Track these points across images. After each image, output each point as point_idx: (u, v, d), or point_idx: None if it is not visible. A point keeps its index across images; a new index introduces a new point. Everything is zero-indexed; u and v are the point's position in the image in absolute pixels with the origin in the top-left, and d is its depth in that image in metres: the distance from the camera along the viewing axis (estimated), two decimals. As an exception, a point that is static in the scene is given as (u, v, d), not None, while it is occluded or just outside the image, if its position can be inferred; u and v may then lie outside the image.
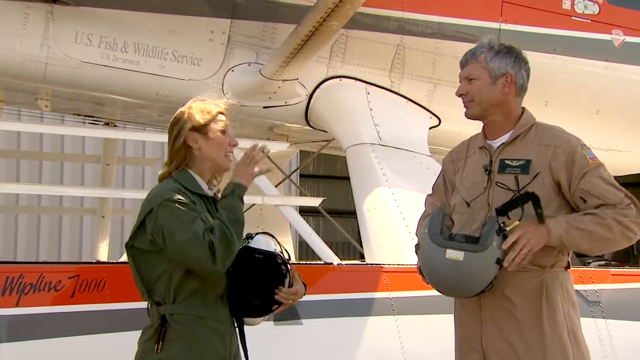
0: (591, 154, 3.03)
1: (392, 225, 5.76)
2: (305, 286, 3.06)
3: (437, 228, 2.95)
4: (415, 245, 3.08)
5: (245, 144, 6.33)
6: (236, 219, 2.90)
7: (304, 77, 6.22)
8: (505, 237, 2.88)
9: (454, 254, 2.88)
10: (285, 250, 3.04)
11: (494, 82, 3.09)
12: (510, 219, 2.92)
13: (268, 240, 2.99)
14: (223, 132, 3.08)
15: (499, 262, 2.88)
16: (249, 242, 2.98)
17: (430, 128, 6.68)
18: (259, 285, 2.92)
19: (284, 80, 6.05)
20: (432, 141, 6.57)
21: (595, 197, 2.93)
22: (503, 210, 2.93)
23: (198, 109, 3.07)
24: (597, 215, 2.90)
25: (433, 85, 6.65)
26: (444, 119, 6.72)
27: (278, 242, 3.03)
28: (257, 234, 3.04)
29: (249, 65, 6.06)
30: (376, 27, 6.42)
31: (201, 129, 3.02)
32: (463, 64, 3.17)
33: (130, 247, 2.97)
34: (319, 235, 6.01)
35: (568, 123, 6.77)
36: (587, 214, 2.91)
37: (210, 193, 3.06)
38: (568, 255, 3.11)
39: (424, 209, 3.30)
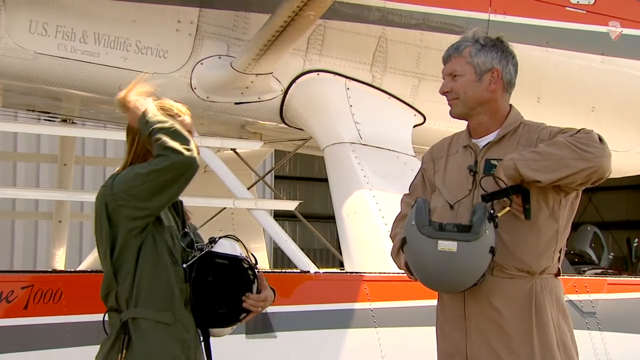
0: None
1: (373, 230, 5.78)
2: (274, 292, 3.06)
3: (426, 219, 2.95)
4: (401, 239, 3.05)
5: (215, 142, 6.38)
6: (160, 124, 2.93)
7: (278, 71, 6.23)
8: (496, 224, 2.92)
9: (447, 245, 2.88)
10: (252, 255, 3.03)
11: (480, 78, 3.10)
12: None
13: (233, 244, 2.98)
14: (187, 132, 3.07)
15: (492, 251, 2.92)
16: (212, 247, 2.96)
17: (414, 126, 6.72)
18: (224, 292, 2.90)
19: (257, 75, 6.06)
20: (416, 140, 6.60)
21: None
22: (489, 198, 2.97)
23: (160, 106, 3.07)
24: (551, 141, 3.01)
25: (417, 80, 6.69)
26: (429, 117, 6.76)
27: (244, 246, 3.02)
28: (220, 237, 3.02)
29: (220, 57, 6.05)
30: (356, 18, 6.44)
31: None
32: (446, 60, 3.18)
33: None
34: (295, 241, 6.01)
35: (562, 121, 6.83)
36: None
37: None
38: (559, 261, 3.14)
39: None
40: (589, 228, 19.40)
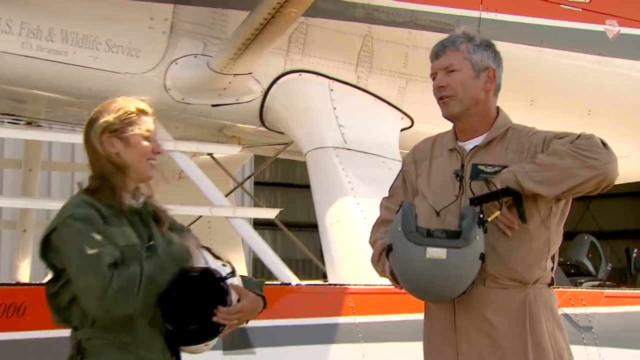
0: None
1: (358, 240, 5.79)
2: (264, 300, 3.03)
3: (413, 225, 2.93)
4: (385, 246, 3.04)
5: (190, 147, 6.36)
6: (157, 277, 2.83)
7: (258, 71, 6.23)
8: (485, 229, 2.92)
9: (436, 252, 2.88)
10: (228, 263, 3.00)
11: (477, 75, 3.10)
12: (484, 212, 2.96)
13: (204, 255, 2.95)
14: (146, 137, 3.02)
15: (482, 257, 2.93)
16: None
17: (401, 130, 6.74)
18: (193, 307, 2.87)
19: (235, 75, 6.06)
20: (403, 145, 6.62)
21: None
22: (478, 202, 2.97)
23: (116, 108, 3.00)
24: (551, 150, 3.01)
25: (405, 81, 6.72)
26: (417, 120, 6.79)
27: (216, 255, 2.99)
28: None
29: (196, 57, 6.05)
30: (341, 15, 6.47)
31: (119, 132, 2.96)
32: (439, 53, 3.15)
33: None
34: (276, 251, 6.01)
35: (556, 124, 6.86)
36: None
37: (134, 204, 2.99)
38: (552, 270, 3.16)
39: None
40: (585, 237, 19.50)
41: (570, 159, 2.96)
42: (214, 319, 2.89)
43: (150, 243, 2.92)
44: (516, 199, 3.00)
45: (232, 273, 2.96)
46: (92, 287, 2.77)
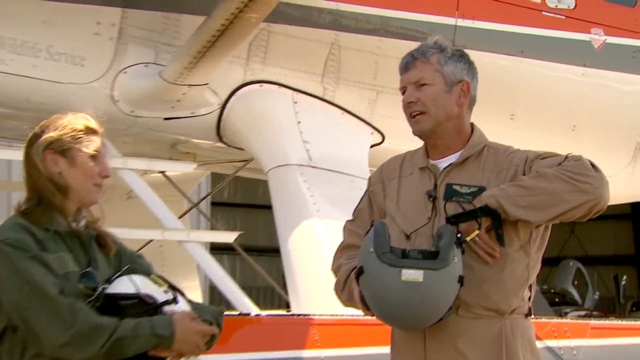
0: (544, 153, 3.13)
1: (324, 266, 5.76)
2: (220, 327, 3.01)
3: (386, 245, 2.93)
4: (357, 269, 3.02)
5: (140, 164, 6.34)
6: (125, 345, 2.84)
7: (215, 81, 6.24)
8: (463, 250, 2.93)
9: (412, 274, 2.88)
10: (173, 289, 2.98)
11: (450, 89, 3.13)
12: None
13: (139, 280, 2.91)
14: (93, 157, 3.00)
15: (461, 280, 2.94)
16: (106, 289, 2.91)
17: (371, 146, 6.77)
18: None
19: (190, 86, 6.06)
20: (374, 162, 6.63)
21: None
22: (455, 221, 2.98)
23: (63, 124, 2.98)
24: (537, 172, 3.04)
25: (375, 93, 6.76)
26: (388, 135, 6.83)
27: (158, 280, 2.96)
28: (119, 275, 2.97)
29: (146, 66, 6.05)
30: (305, 21, 6.50)
31: (64, 150, 2.94)
32: (408, 65, 3.17)
33: None
34: (235, 278, 5.99)
35: (538, 141, 6.92)
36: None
37: (74, 227, 2.96)
38: (529, 300, 3.18)
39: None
40: (571, 264, 19.66)
41: (559, 182, 2.99)
42: (150, 353, 2.87)
43: (87, 270, 2.90)
44: (495, 220, 3.02)
45: (175, 300, 2.94)
46: (52, 325, 2.76)
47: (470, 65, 3.22)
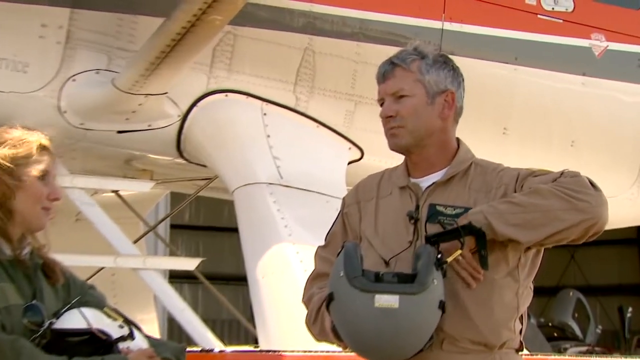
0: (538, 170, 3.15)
1: (296, 297, 5.78)
2: None
3: (358, 268, 2.93)
4: (324, 297, 3.02)
5: (91, 183, 6.31)
6: None
7: (175, 90, 6.25)
8: (445, 272, 2.93)
9: (386, 300, 2.88)
10: (128, 324, 2.97)
11: (432, 100, 3.13)
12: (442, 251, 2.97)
13: (84, 314, 2.91)
14: (42, 177, 2.99)
15: (442, 306, 2.94)
16: (53, 324, 2.90)
17: (349, 162, 6.79)
18: None
19: (147, 95, 6.06)
20: (352, 180, 6.65)
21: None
22: (436, 241, 2.98)
23: (12, 141, 2.96)
24: (530, 189, 3.05)
25: (353, 104, 6.78)
26: (368, 151, 6.86)
27: (112, 314, 2.95)
28: (67, 308, 2.96)
29: (98, 72, 6.04)
30: (276, 24, 6.52)
31: (9, 170, 2.93)
32: (386, 74, 3.17)
33: None
34: (197, 310, 5.97)
35: (533, 158, 6.96)
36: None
37: (18, 255, 2.95)
38: (520, 333, 3.19)
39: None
40: (571, 294, 19.74)
41: (554, 199, 3.00)
42: None
43: (31, 302, 2.89)
44: (479, 240, 3.03)
45: (130, 335, 2.93)
46: None
47: (455, 72, 3.23)
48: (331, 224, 3.38)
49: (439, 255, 2.98)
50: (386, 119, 3.17)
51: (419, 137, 3.16)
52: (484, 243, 3.02)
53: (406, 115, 3.14)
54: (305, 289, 3.29)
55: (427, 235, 3.04)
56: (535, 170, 3.16)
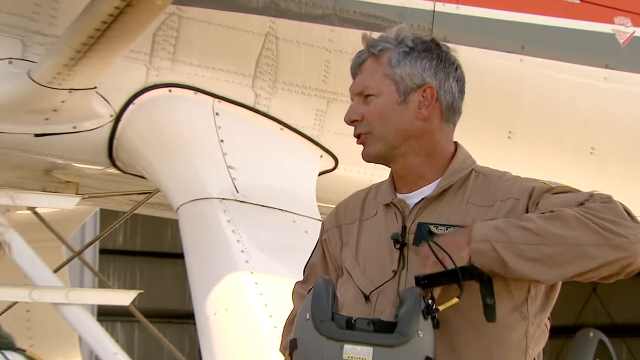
0: (555, 182, 3.10)
1: (254, 337, 5.80)
2: None
3: (327, 311, 2.95)
4: (290, 341, 3.03)
5: (2, 198, 6.27)
6: None
7: (106, 85, 6.25)
8: (436, 323, 2.91)
9: (358, 353, 2.88)
10: None
11: (404, 99, 3.14)
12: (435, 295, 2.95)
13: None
14: None
15: None
16: None
17: (320, 173, 6.81)
18: None
19: (71, 90, 6.05)
20: (323, 195, 6.67)
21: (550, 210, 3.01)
22: (427, 283, 2.96)
23: None
24: (551, 212, 2.99)
25: (325, 102, 6.80)
26: (343, 159, 6.88)
27: (30, 356, 2.97)
28: None
29: (10, 62, 6.03)
30: (231, 4, 6.53)
31: None
32: (354, 70, 3.19)
33: None
34: (132, 353, 5.96)
35: (544, 167, 6.98)
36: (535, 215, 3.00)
37: None
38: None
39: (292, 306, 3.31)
40: (592, 334, 19.82)
41: (583, 230, 2.97)
42: None
43: None
44: (484, 287, 3.03)
45: None
46: None
47: (439, 60, 3.19)
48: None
49: (430, 301, 2.98)
50: (351, 124, 3.19)
51: (391, 144, 3.15)
52: (490, 290, 3.01)
53: (371, 119, 3.14)
54: (282, 333, 3.30)
55: (416, 275, 3.03)
56: (554, 186, 3.12)
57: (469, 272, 3.00)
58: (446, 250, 3.00)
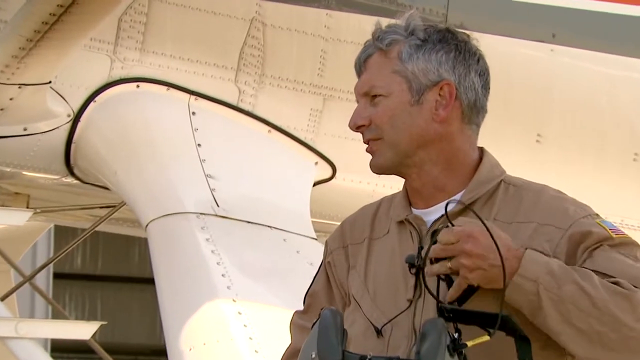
0: (611, 225, 3.07)
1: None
2: None
3: (336, 349, 2.95)
4: None
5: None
6: None
7: (63, 78, 6.27)
8: (464, 357, 2.88)
9: None
10: None
11: (418, 98, 3.14)
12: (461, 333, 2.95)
13: None
14: None
15: None
16: None
17: (315, 184, 6.84)
18: None
19: (21, 86, 6.07)
20: (319, 209, 6.69)
21: (611, 275, 2.97)
22: (453, 317, 2.96)
23: None
24: (618, 283, 2.93)
25: (321, 100, 6.82)
26: (342, 166, 6.90)
27: None
28: None
29: (-49, 53, 6.06)
30: (209, -15, 6.56)
31: None
32: (359, 67, 3.19)
33: None
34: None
35: (579, 177, 6.96)
36: (599, 276, 2.94)
37: None
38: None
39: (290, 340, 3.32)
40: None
41: None
42: None
43: None
44: (522, 344, 3.00)
45: None
46: None
47: (458, 52, 3.18)
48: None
49: (456, 334, 3.00)
50: (357, 130, 3.20)
51: (404, 152, 3.16)
52: (528, 349, 2.96)
53: (380, 123, 3.15)
54: None
55: (441, 305, 3.03)
56: (614, 236, 3.07)
57: (507, 324, 2.97)
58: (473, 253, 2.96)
